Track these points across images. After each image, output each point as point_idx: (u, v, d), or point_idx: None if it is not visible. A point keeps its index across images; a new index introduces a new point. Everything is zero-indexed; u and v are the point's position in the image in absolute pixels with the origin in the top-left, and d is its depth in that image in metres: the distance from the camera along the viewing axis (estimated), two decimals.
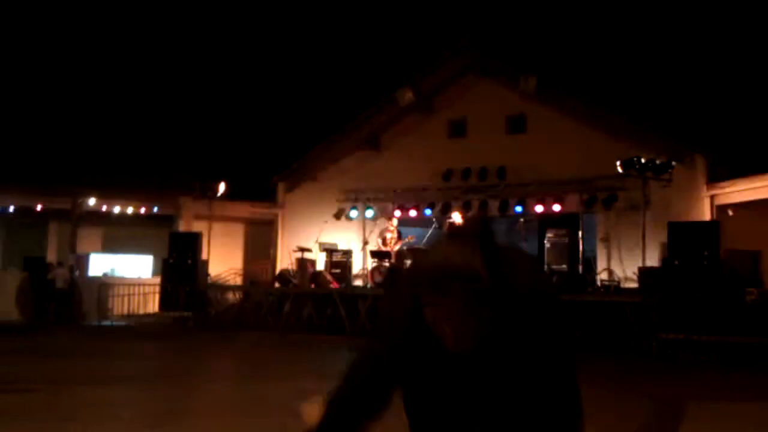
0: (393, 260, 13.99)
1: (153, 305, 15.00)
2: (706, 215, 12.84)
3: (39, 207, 16.54)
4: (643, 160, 11.75)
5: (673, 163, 11.99)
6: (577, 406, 1.83)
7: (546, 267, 12.72)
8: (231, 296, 15.43)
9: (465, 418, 1.88)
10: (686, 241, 10.41)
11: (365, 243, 15.41)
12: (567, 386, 1.82)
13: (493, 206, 14.33)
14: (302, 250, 14.57)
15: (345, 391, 1.85)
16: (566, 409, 1.81)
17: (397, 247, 14.27)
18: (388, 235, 14.51)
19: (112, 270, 16.92)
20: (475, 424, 1.86)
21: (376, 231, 15.20)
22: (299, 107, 20.69)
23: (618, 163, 11.78)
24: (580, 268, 12.91)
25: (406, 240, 14.31)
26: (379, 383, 1.83)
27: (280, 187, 17.31)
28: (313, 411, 1.83)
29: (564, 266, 12.79)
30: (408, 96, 15.55)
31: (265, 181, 17.41)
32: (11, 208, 16.83)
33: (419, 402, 1.89)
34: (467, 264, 1.63)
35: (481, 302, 1.64)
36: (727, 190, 13.04)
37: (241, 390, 6.54)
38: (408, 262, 13.38)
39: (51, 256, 16.56)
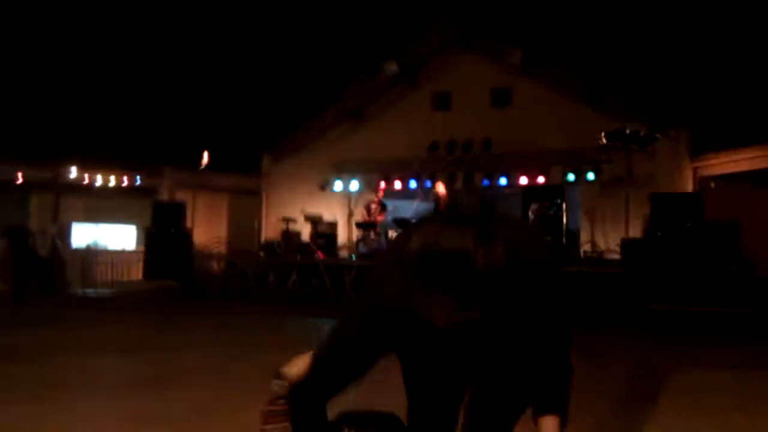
0: (377, 230, 14.02)
1: (137, 274, 14.95)
2: (689, 188, 12.96)
3: (20, 177, 16.35)
4: (627, 132, 11.79)
5: (657, 135, 12.05)
6: (568, 370, 1.87)
7: None
8: (215, 266, 15.42)
9: (457, 384, 1.94)
10: (669, 212, 10.48)
11: (350, 215, 15.41)
12: (561, 354, 1.87)
13: (478, 178, 14.37)
14: (287, 220, 14.56)
15: (331, 351, 1.86)
16: (558, 371, 1.86)
17: (381, 219, 14.29)
18: (372, 206, 14.53)
19: (95, 242, 16.81)
20: (466, 390, 1.92)
21: (362, 203, 15.21)
22: (284, 79, 20.52)
23: (602, 134, 11.82)
24: (564, 240, 12.98)
25: (391, 209, 14.34)
26: (364, 346, 1.83)
27: (265, 159, 17.24)
28: (299, 365, 1.83)
29: (548, 238, 12.85)
30: (392, 68, 15.50)
31: (250, 153, 17.32)
32: None
33: (413, 370, 1.95)
34: (462, 251, 1.54)
35: (473, 297, 1.57)
36: (710, 162, 13.15)
37: (221, 356, 6.56)
38: (394, 234, 13.41)
39: (33, 227, 16.41)
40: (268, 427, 1.70)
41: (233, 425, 3.84)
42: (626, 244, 11.15)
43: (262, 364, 5.29)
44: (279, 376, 1.78)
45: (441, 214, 1.70)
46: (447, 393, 1.94)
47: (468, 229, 1.56)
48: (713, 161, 13.10)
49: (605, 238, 12.91)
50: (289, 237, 14.47)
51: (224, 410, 4.23)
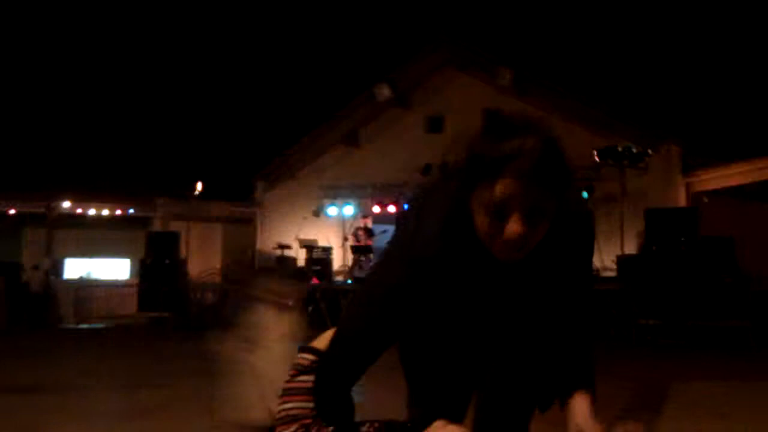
0: (373, 255, 13.98)
1: (131, 307, 14.83)
2: (682, 203, 12.97)
3: (13, 211, 16.32)
4: (619, 149, 11.82)
5: (649, 151, 12.07)
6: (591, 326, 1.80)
7: None
8: (210, 296, 15.31)
9: (474, 366, 1.75)
10: (664, 227, 10.48)
11: (345, 239, 15.36)
12: (587, 307, 1.78)
13: None
14: (282, 247, 14.50)
15: (360, 321, 1.68)
16: (585, 326, 1.78)
17: (369, 244, 14.30)
18: (360, 233, 14.55)
19: (89, 273, 16.72)
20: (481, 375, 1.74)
21: (357, 227, 15.19)
22: (276, 106, 20.61)
23: (594, 152, 11.85)
24: None
25: (382, 233, 14.34)
26: (397, 313, 1.63)
27: (259, 186, 17.21)
28: (329, 338, 1.70)
29: None
30: (385, 92, 15.55)
31: (243, 181, 17.32)
32: None
33: (427, 346, 1.73)
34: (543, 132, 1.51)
35: (546, 202, 1.48)
36: (702, 177, 13.17)
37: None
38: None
39: (26, 261, 16.34)
40: (287, 405, 1.58)
41: None
42: (622, 261, 11.12)
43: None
44: (306, 350, 1.66)
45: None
46: (462, 376, 1.74)
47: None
48: (705, 176, 13.12)
49: (600, 255, 12.86)
50: (284, 263, 14.40)
51: None
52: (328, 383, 1.60)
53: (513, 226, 1.47)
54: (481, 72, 14.96)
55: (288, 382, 1.61)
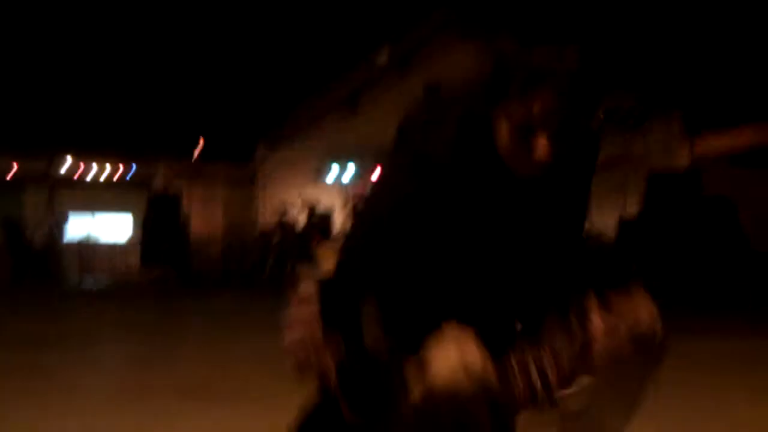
0: None
1: (134, 263, 14.91)
2: (685, 166, 12.97)
3: (15, 169, 16.30)
4: (623, 111, 11.80)
5: (653, 113, 12.05)
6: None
7: None
8: (212, 254, 15.40)
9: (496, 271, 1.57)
10: (666, 190, 10.51)
11: (346, 203, 15.40)
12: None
13: None
14: (284, 208, 14.55)
15: (367, 234, 1.56)
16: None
17: None
18: (355, 199, 14.61)
19: (89, 234, 16.74)
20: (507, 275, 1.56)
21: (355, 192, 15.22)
22: (277, 69, 20.45)
23: (599, 113, 11.82)
24: None
25: None
26: (405, 226, 1.50)
27: (260, 148, 17.21)
28: (328, 257, 1.61)
29: None
30: (385, 57, 15.41)
31: (245, 143, 17.28)
32: None
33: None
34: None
35: (588, 108, 1.42)
36: (706, 141, 13.15)
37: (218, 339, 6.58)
38: None
39: (28, 218, 16.36)
40: (290, 335, 1.49)
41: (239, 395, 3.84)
42: (623, 223, 11.16)
43: (255, 343, 5.34)
44: (309, 275, 1.58)
45: None
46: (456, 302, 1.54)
47: None
48: (709, 139, 13.11)
49: (602, 217, 12.91)
50: (286, 225, 14.46)
51: (228, 382, 4.24)
52: (335, 303, 1.51)
53: (543, 144, 1.39)
54: (482, 39, 14.85)
55: (290, 308, 1.53)
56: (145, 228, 14.34)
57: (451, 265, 1.53)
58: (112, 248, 15.33)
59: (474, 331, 1.38)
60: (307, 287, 1.50)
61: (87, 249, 15.10)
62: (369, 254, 1.53)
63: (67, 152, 15.76)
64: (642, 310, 1.50)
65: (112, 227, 17.17)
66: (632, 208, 11.84)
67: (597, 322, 1.48)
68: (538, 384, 1.48)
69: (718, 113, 13.55)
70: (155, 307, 9.97)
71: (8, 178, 16.35)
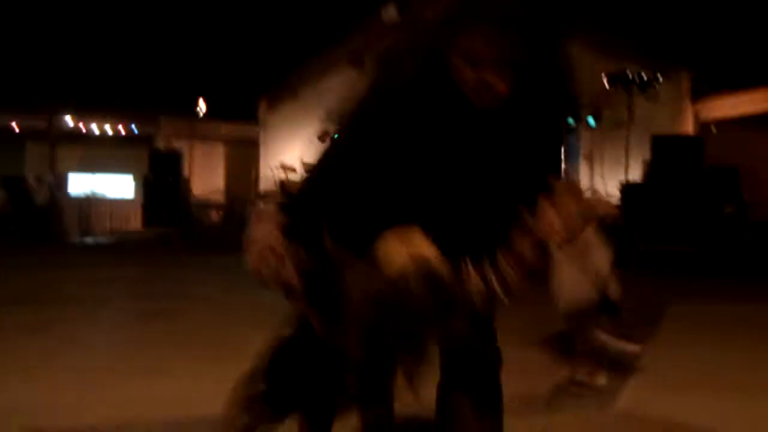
0: None
1: (135, 222, 14.94)
2: (690, 130, 12.88)
3: (15, 126, 16.23)
4: (629, 75, 11.66)
5: (659, 76, 11.90)
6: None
7: None
8: (214, 215, 15.40)
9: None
10: (669, 155, 10.44)
11: None
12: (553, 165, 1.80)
13: None
14: (286, 168, 14.47)
15: (333, 152, 1.78)
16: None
17: None
18: None
19: (93, 191, 16.72)
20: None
21: None
22: (280, 25, 20.18)
23: (604, 76, 11.69)
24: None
25: None
26: (368, 144, 1.64)
27: (262, 107, 17.06)
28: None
29: None
30: (392, 13, 15.18)
31: (247, 101, 17.12)
32: None
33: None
34: None
35: (531, 42, 1.52)
36: (711, 104, 13.04)
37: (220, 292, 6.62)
38: None
39: (29, 176, 16.34)
40: (253, 251, 1.53)
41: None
42: (626, 188, 11.11)
43: (253, 302, 5.36)
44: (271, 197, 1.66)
45: None
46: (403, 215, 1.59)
47: None
48: (714, 104, 12.99)
49: (604, 182, 12.85)
50: (287, 186, 14.40)
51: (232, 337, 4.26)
52: (297, 216, 1.63)
53: (490, 75, 1.52)
54: None
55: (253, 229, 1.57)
56: (146, 187, 14.32)
57: (406, 180, 1.63)
58: (114, 206, 15.32)
59: (421, 230, 1.49)
60: (267, 207, 1.57)
61: (89, 207, 15.07)
62: (331, 169, 1.70)
63: (68, 109, 15.65)
64: (573, 199, 1.61)
65: (113, 186, 17.14)
66: (635, 172, 11.79)
67: (549, 212, 1.59)
68: (494, 281, 1.55)
69: (727, 74, 13.40)
70: (155, 265, 10.00)
71: (8, 134, 16.28)
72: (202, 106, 15.45)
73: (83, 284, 7.21)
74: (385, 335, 1.39)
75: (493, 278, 1.54)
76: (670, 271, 9.59)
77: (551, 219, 1.57)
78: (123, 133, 16.68)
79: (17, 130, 16.33)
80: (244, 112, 17.05)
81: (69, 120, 15.79)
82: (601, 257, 3.66)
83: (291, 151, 15.47)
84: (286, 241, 1.54)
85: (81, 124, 16.16)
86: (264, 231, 1.55)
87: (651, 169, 10.78)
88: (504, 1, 1.54)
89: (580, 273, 3.54)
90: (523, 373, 3.24)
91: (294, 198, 1.68)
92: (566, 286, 3.58)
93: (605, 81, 11.65)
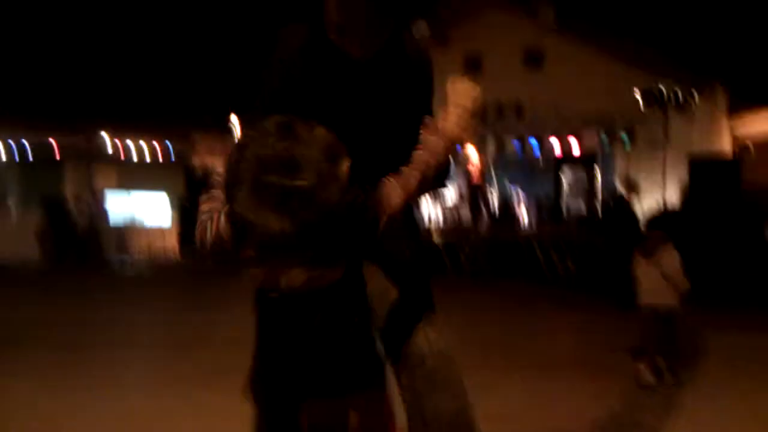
0: None
1: (172, 244, 15.11)
2: (727, 148, 12.68)
3: (54, 146, 16.48)
4: (663, 92, 11.52)
5: (695, 94, 11.74)
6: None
7: (564, 206, 12.68)
8: None
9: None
10: (707, 178, 10.29)
11: None
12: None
13: (509, 142, 14.16)
14: None
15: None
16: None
17: None
18: None
19: (132, 217, 16.94)
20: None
21: None
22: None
23: (637, 92, 11.54)
24: (598, 207, 12.78)
25: None
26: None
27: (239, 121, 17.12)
28: None
29: (582, 207, 12.72)
30: (422, 28, 15.11)
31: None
32: (27, 148, 16.82)
33: None
34: None
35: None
36: (748, 120, 12.84)
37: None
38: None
39: (67, 195, 16.61)
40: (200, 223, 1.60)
41: None
42: (663, 217, 10.94)
43: None
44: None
45: None
46: None
47: None
48: (752, 119, 12.78)
49: (641, 203, 12.71)
50: None
51: None
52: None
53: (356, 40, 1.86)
54: (522, 10, 14.53)
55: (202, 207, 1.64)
56: (181, 213, 14.47)
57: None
58: (151, 230, 15.50)
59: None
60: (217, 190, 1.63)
61: (126, 230, 15.28)
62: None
63: (105, 128, 15.89)
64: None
65: (149, 206, 17.35)
66: (672, 193, 11.65)
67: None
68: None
69: (764, 89, 13.17)
70: (192, 290, 10.13)
71: (47, 153, 16.55)
72: (234, 122, 15.58)
73: (120, 310, 7.34)
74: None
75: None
76: (711, 297, 9.43)
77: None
78: (158, 150, 16.88)
79: (56, 150, 16.62)
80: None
81: (106, 138, 16.03)
82: (675, 265, 4.46)
83: None
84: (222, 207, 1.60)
85: (117, 142, 16.39)
86: (212, 206, 1.62)
87: (689, 193, 10.64)
88: None
89: (660, 278, 4.40)
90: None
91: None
92: (648, 290, 4.46)
93: (639, 99, 11.53)
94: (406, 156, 1.75)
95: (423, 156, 1.71)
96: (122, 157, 16.92)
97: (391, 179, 1.69)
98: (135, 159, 16.95)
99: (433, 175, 1.73)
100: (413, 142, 1.77)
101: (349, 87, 1.94)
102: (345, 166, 1.52)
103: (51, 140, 16.44)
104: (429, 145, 1.73)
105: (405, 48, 1.98)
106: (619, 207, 11.13)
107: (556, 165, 13.24)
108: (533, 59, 14.57)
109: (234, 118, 15.74)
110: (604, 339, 6.28)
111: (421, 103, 2.00)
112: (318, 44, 1.94)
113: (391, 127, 1.94)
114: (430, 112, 1.96)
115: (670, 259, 4.48)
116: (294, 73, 1.94)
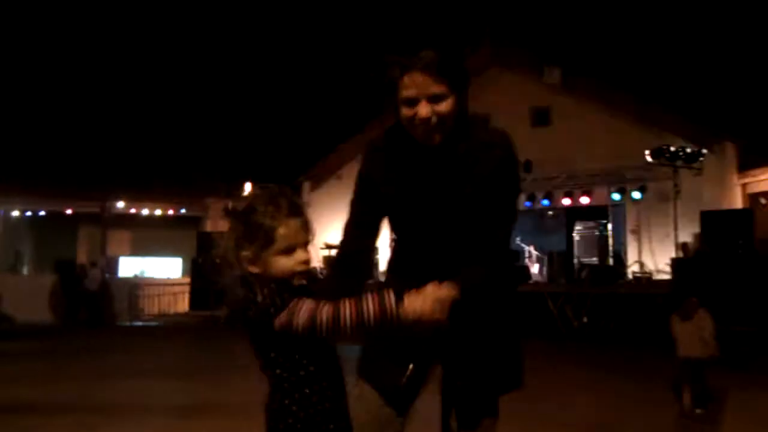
0: None
1: (183, 305, 15.11)
2: (738, 204, 12.63)
3: (69, 211, 16.76)
4: (672, 149, 11.59)
5: (704, 150, 11.79)
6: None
7: (575, 260, 12.61)
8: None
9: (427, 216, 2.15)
10: (719, 230, 10.24)
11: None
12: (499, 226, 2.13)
13: (520, 200, 14.14)
14: (329, 247, 14.56)
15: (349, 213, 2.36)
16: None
17: None
18: None
19: (142, 272, 17.06)
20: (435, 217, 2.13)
21: None
22: (321, 106, 20.70)
23: (647, 152, 11.63)
24: (611, 260, 12.76)
25: None
26: (367, 197, 2.26)
27: (305, 186, 17.33)
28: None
29: (594, 259, 12.67)
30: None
31: (290, 181, 17.42)
32: (42, 213, 17.11)
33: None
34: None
35: (447, 82, 2.00)
36: (759, 177, 12.81)
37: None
38: None
39: (81, 260, 16.77)
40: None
41: None
42: (677, 264, 10.88)
43: None
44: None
45: None
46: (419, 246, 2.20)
47: None
48: (762, 176, 12.76)
49: (653, 257, 12.63)
50: (332, 263, 14.49)
51: None
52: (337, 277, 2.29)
53: (421, 109, 2.01)
54: (528, 70, 14.79)
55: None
56: (193, 269, 14.54)
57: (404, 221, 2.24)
58: (163, 289, 15.54)
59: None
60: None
61: (138, 290, 15.33)
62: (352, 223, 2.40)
63: (119, 195, 16.15)
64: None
65: (162, 268, 17.45)
66: (685, 247, 11.56)
67: None
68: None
69: None
70: (203, 351, 10.04)
71: (62, 219, 16.78)
72: (248, 189, 15.77)
73: (130, 370, 7.26)
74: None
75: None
76: (726, 352, 9.23)
77: None
78: (171, 215, 17.08)
79: (70, 214, 16.87)
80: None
81: (120, 205, 16.28)
82: (709, 326, 5.35)
83: (335, 230, 15.62)
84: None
85: (132, 209, 16.64)
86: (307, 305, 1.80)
87: (701, 245, 10.57)
88: (420, 55, 2.01)
89: (695, 336, 5.28)
90: None
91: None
92: (685, 344, 5.31)
93: (648, 156, 11.59)
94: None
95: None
96: (137, 222, 17.11)
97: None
98: (149, 223, 17.13)
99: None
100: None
101: (428, 174, 2.11)
102: None
103: (67, 209, 16.72)
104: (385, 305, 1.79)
105: (471, 130, 2.11)
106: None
107: (566, 220, 13.20)
108: (541, 118, 14.75)
109: (248, 186, 15.95)
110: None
111: (499, 186, 2.08)
112: (397, 133, 2.15)
113: (472, 207, 2.08)
114: (511, 194, 2.13)
115: (706, 323, 5.36)
116: (379, 152, 2.23)
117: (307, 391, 1.80)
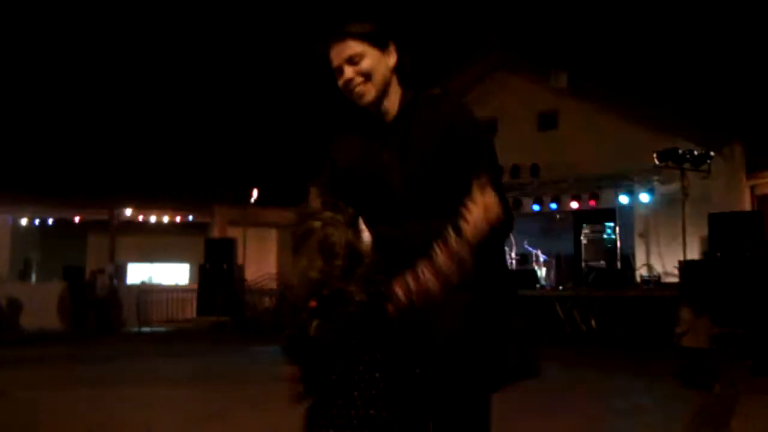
0: None
1: (191, 311, 15.13)
2: (747, 206, 12.54)
3: (77, 218, 16.83)
4: (680, 151, 11.54)
5: (712, 153, 11.73)
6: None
7: (583, 263, 12.55)
8: (267, 300, 15.50)
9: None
10: (728, 232, 10.17)
11: None
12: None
13: (527, 204, 14.17)
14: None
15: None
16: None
17: None
18: None
19: (150, 278, 17.10)
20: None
21: None
22: (329, 112, 20.70)
23: (654, 155, 11.58)
24: (619, 264, 12.70)
25: None
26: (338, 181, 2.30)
27: (313, 192, 17.32)
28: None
29: (602, 262, 12.62)
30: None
31: (298, 187, 17.41)
32: (50, 221, 17.19)
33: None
34: None
35: (363, 41, 2.07)
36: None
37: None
38: None
39: (90, 267, 16.82)
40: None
41: None
42: (685, 267, 10.81)
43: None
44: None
45: None
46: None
47: None
48: None
49: (661, 260, 12.56)
50: None
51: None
52: None
53: (345, 74, 2.08)
54: (535, 74, 14.76)
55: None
56: (201, 275, 14.57)
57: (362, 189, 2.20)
58: (170, 295, 15.58)
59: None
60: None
61: (146, 296, 15.37)
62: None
63: (128, 202, 16.21)
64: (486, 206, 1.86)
65: (170, 274, 17.50)
66: (693, 250, 11.50)
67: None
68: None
69: None
70: (210, 358, 10.04)
71: (71, 226, 16.84)
72: (255, 195, 15.82)
73: (135, 396, 7.28)
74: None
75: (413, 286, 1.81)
76: (737, 354, 9.16)
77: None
78: (179, 222, 17.13)
79: (79, 222, 16.94)
80: (296, 198, 17.28)
81: (129, 212, 16.35)
82: (710, 331, 5.36)
83: None
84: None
85: (140, 216, 16.70)
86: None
87: (710, 247, 10.50)
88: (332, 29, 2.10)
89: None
90: None
91: None
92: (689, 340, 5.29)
93: (656, 159, 11.54)
94: (452, 205, 1.91)
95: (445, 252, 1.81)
96: (145, 229, 17.16)
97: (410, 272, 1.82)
98: (157, 230, 17.18)
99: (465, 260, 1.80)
100: (457, 193, 1.92)
101: (377, 142, 2.16)
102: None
103: (76, 217, 16.80)
104: (450, 246, 1.80)
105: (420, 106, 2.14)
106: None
107: (574, 223, 13.15)
108: (547, 122, 14.73)
109: (256, 193, 16.00)
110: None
111: (455, 153, 2.07)
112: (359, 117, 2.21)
113: (429, 174, 2.08)
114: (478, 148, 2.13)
115: (705, 327, 5.37)
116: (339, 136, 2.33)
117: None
